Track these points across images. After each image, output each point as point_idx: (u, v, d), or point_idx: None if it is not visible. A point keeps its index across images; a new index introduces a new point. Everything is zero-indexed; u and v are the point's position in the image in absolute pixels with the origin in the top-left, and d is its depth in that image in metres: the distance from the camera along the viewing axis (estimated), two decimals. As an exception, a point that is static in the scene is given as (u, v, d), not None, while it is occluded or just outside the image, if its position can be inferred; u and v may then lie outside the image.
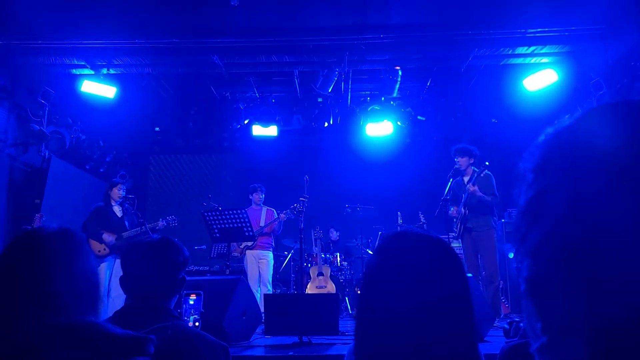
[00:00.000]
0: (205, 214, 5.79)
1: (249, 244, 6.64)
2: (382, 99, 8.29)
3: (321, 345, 3.93)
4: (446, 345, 0.89)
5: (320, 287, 7.27)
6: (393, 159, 9.17)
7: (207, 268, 7.83)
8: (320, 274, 7.38)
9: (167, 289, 1.67)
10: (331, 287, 7.28)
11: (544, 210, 0.47)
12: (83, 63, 6.86)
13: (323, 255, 7.68)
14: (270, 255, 6.86)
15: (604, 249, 0.43)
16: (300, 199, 6.33)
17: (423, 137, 9.24)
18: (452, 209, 5.83)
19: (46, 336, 1.07)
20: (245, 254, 6.82)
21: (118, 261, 5.97)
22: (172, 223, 6.47)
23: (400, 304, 0.91)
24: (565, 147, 0.49)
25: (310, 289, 7.25)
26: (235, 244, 6.68)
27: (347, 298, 7.82)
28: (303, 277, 7.17)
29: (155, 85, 7.98)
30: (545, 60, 7.04)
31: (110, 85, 7.08)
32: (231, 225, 5.72)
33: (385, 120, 8.32)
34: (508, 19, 6.12)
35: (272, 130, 8.58)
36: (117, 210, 6.28)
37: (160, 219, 6.45)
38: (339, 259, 7.98)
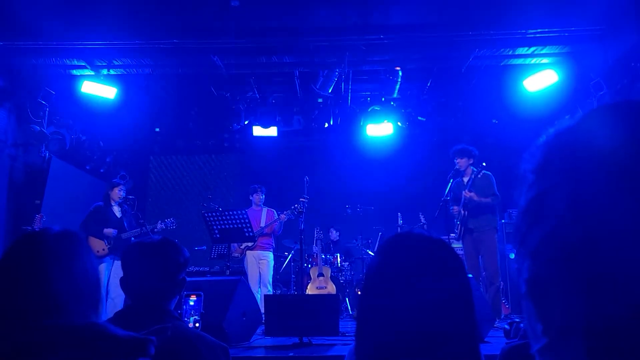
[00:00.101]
0: (206, 214, 5.80)
1: (250, 244, 6.64)
2: (383, 99, 8.30)
3: (321, 346, 3.93)
4: (447, 346, 0.89)
5: (321, 288, 7.27)
6: (393, 160, 9.17)
7: (207, 269, 7.83)
8: (320, 274, 7.38)
9: (167, 290, 1.67)
10: (331, 288, 7.28)
11: (544, 211, 0.47)
12: (83, 64, 6.87)
13: (323, 256, 7.68)
14: (270, 255, 6.86)
15: (604, 250, 0.43)
16: (301, 199, 6.33)
17: (423, 137, 9.23)
18: (453, 207, 5.84)
19: (47, 337, 1.07)
20: (245, 254, 6.82)
21: (116, 262, 5.97)
22: (170, 226, 6.45)
23: (401, 305, 0.91)
24: (566, 148, 0.49)
25: (310, 290, 7.25)
26: (235, 244, 6.68)
27: (347, 299, 7.82)
28: (303, 278, 7.17)
29: (155, 86, 7.98)
30: (545, 60, 7.04)
31: (111, 86, 7.09)
32: (231, 226, 5.73)
33: (385, 121, 8.32)
34: (508, 20, 6.12)
35: (272, 131, 8.59)
36: (117, 210, 6.29)
37: (159, 222, 6.45)
38: (339, 259, 7.98)
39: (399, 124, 8.54)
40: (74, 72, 7.20)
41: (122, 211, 6.34)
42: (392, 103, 8.38)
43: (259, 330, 4.57)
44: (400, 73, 7.51)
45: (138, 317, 1.55)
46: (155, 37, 6.32)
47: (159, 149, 9.90)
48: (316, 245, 7.61)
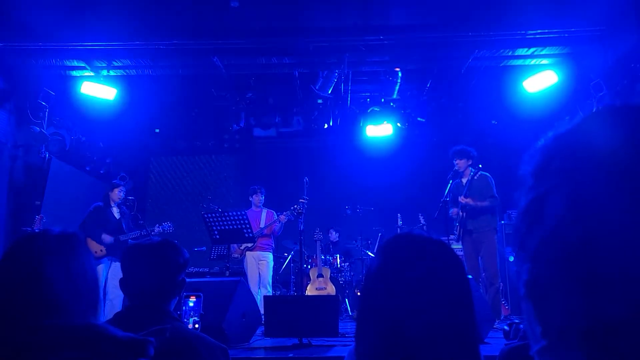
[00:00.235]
0: (205, 215, 5.80)
1: (249, 245, 6.64)
2: (382, 100, 8.30)
3: (321, 347, 3.93)
4: (447, 347, 0.89)
5: (320, 289, 7.26)
6: (393, 160, 9.18)
7: (207, 270, 7.83)
8: (320, 275, 7.38)
9: (167, 290, 1.67)
10: (331, 289, 7.28)
11: (544, 212, 0.47)
12: (83, 65, 6.87)
13: (323, 257, 7.68)
14: (270, 256, 6.86)
15: (603, 251, 0.43)
16: (300, 200, 6.33)
17: (423, 138, 9.24)
18: (451, 210, 5.85)
19: (47, 337, 1.07)
20: (245, 255, 6.82)
21: (115, 264, 5.96)
22: (168, 230, 6.42)
23: (401, 306, 0.91)
24: (565, 150, 0.49)
25: (310, 291, 7.25)
26: (235, 245, 6.68)
27: (347, 300, 7.82)
28: (303, 279, 7.16)
29: (155, 87, 7.98)
30: (545, 61, 7.05)
31: (111, 86, 7.09)
32: (231, 227, 5.72)
33: (385, 122, 8.32)
34: (508, 21, 6.12)
35: (272, 132, 8.59)
36: (115, 212, 6.29)
37: (157, 225, 6.43)
38: (338, 260, 7.97)
39: (398, 124, 8.54)
40: (74, 73, 7.20)
41: (121, 212, 6.33)
42: (391, 104, 8.38)
43: (258, 331, 4.57)
44: (399, 74, 7.51)
45: (138, 318, 1.55)
46: (155, 38, 6.32)
47: (159, 150, 9.90)
48: (316, 246, 7.61)
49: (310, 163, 9.16)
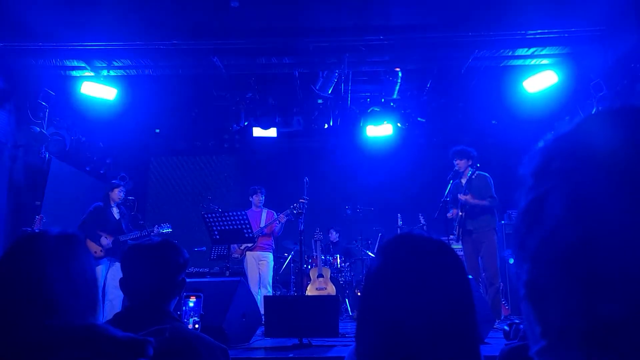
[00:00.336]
0: (205, 215, 5.80)
1: (249, 245, 6.64)
2: (382, 100, 8.30)
3: (321, 347, 3.93)
4: (447, 347, 0.89)
5: (320, 289, 7.26)
6: (393, 160, 9.18)
7: (207, 270, 7.83)
8: (320, 275, 7.38)
9: (167, 291, 1.67)
10: (331, 289, 7.28)
11: (544, 213, 0.47)
12: (83, 65, 6.87)
13: (323, 257, 7.67)
14: (270, 256, 6.86)
15: (602, 252, 0.43)
16: (300, 200, 6.32)
17: (423, 138, 9.24)
18: (451, 211, 5.85)
19: (46, 337, 1.07)
20: (245, 255, 6.82)
21: (114, 264, 5.96)
22: (165, 229, 6.40)
23: (402, 306, 0.90)
24: (565, 151, 0.49)
25: (310, 291, 7.25)
26: (235, 245, 6.68)
27: (347, 300, 7.81)
28: (303, 279, 7.16)
29: (155, 87, 7.98)
30: (545, 61, 7.05)
31: (111, 86, 7.09)
32: (231, 227, 5.72)
33: (385, 122, 8.32)
34: (508, 21, 6.12)
35: (272, 132, 8.59)
36: (115, 212, 6.28)
37: (156, 226, 6.43)
38: (339, 260, 7.97)
39: (398, 124, 8.54)
40: (74, 73, 7.20)
41: (121, 213, 6.33)
42: (391, 104, 8.38)
43: (258, 332, 4.57)
44: (399, 74, 7.51)
45: (137, 319, 1.55)
46: (155, 38, 6.32)
47: (159, 150, 9.90)
48: (316, 246, 7.60)
49: (310, 163, 9.16)
